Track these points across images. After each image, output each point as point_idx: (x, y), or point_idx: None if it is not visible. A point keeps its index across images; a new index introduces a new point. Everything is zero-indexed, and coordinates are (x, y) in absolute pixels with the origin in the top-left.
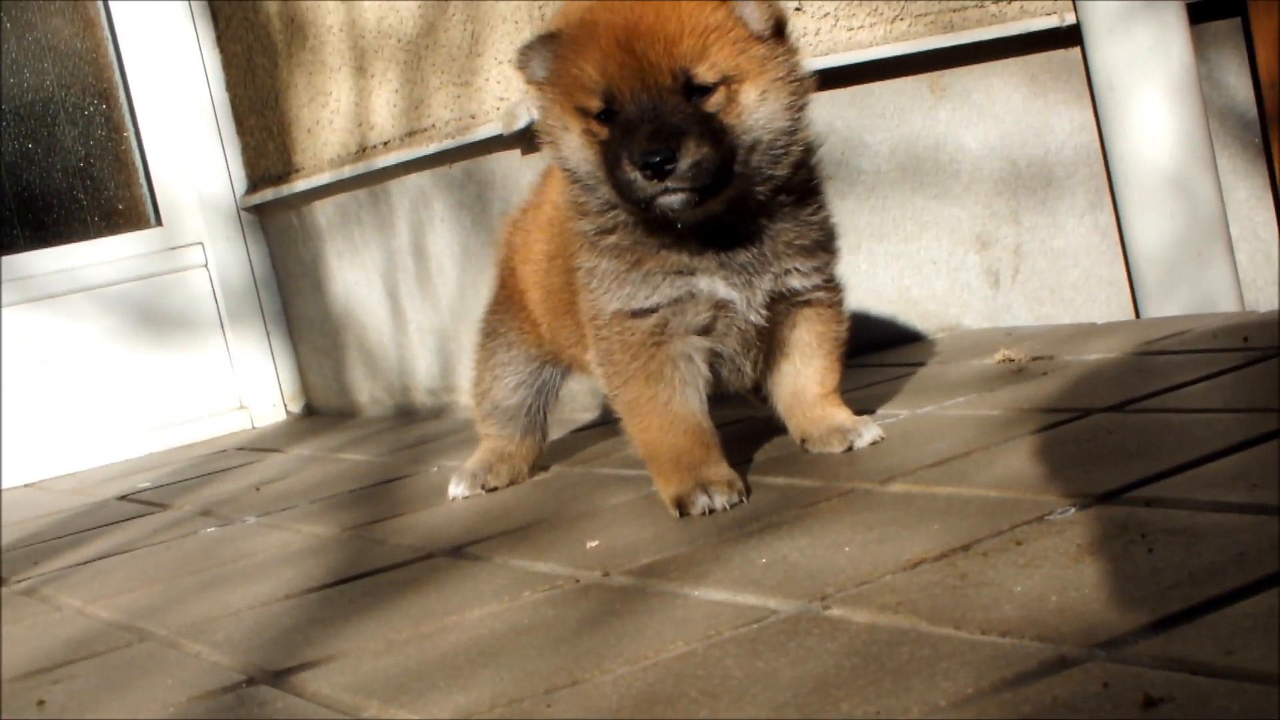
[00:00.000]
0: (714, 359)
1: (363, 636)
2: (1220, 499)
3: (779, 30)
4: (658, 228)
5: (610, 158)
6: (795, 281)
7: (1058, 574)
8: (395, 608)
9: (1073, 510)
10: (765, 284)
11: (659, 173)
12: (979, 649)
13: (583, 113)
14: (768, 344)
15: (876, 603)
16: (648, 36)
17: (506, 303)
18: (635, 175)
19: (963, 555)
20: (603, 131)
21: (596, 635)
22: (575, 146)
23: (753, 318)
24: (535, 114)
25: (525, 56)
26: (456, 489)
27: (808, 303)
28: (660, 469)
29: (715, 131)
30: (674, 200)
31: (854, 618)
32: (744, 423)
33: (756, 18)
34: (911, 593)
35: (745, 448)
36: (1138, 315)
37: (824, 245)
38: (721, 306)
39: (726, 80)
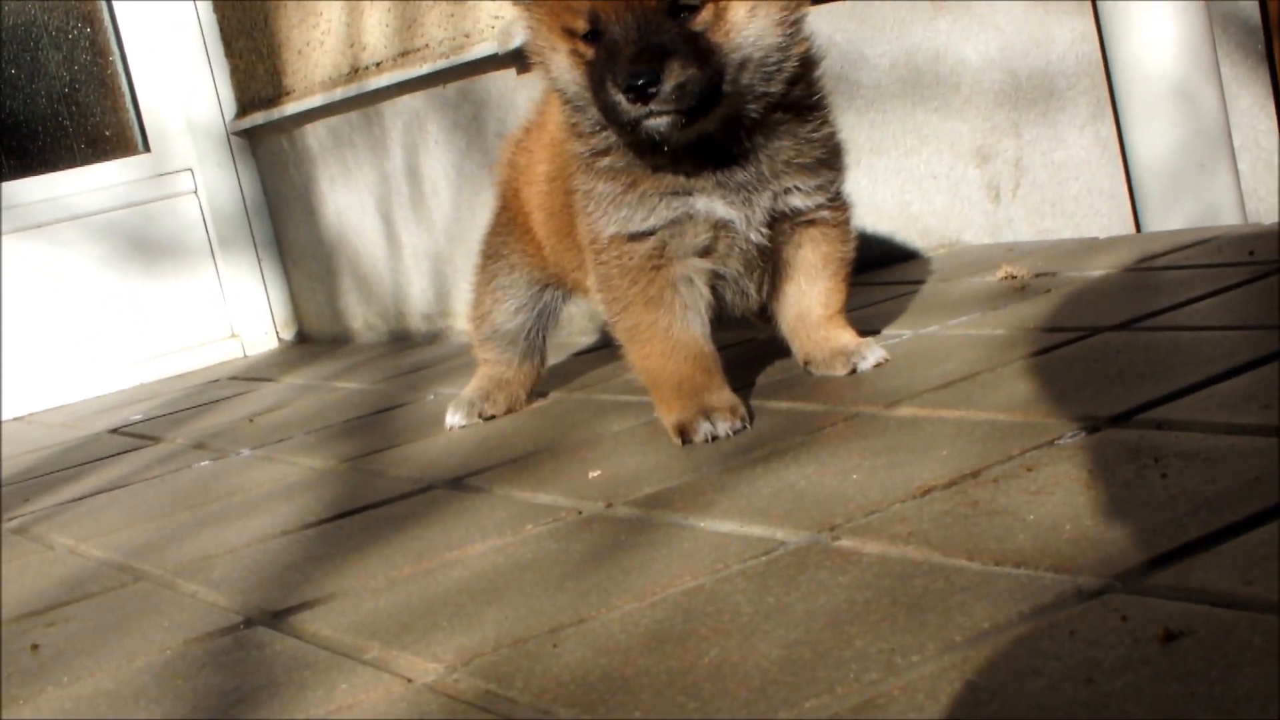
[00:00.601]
0: (717, 281)
1: (363, 574)
2: (1233, 420)
3: None
4: (648, 149)
5: (596, 79)
6: (797, 200)
7: (1070, 501)
8: (395, 543)
9: (1083, 434)
10: (764, 202)
11: (642, 95)
12: (994, 581)
13: (569, 33)
14: (772, 265)
15: (887, 533)
16: None
17: (509, 225)
18: (620, 98)
19: (973, 482)
20: (589, 52)
21: (602, 570)
22: (564, 67)
23: (753, 237)
24: (524, 34)
25: None
26: (453, 418)
27: (812, 222)
28: (662, 395)
29: (701, 51)
30: (660, 123)
31: (864, 549)
32: (744, 345)
33: None
34: (922, 522)
35: (747, 371)
36: (1139, 228)
37: (827, 163)
38: (721, 226)
39: None
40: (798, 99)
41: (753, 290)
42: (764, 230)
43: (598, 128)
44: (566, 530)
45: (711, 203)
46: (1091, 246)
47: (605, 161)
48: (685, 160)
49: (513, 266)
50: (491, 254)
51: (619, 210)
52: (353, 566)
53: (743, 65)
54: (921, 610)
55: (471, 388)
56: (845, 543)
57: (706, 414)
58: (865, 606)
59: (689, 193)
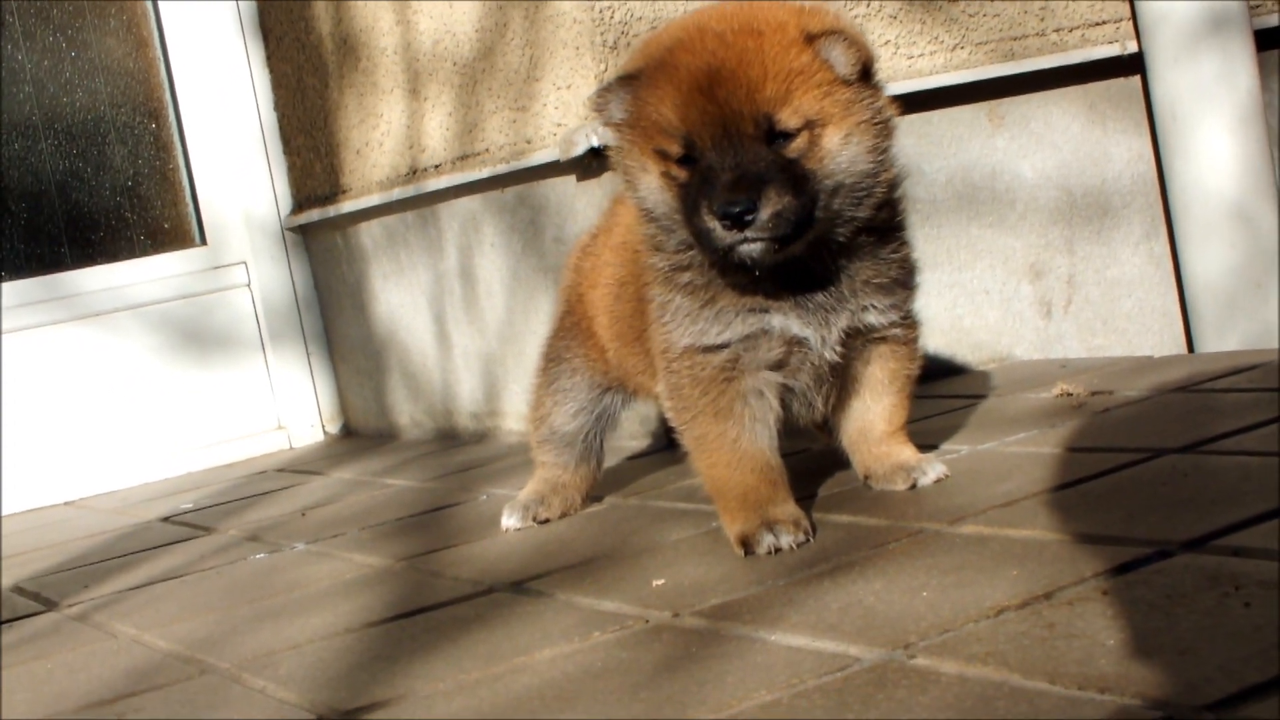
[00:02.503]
0: (786, 394)
1: (431, 676)
2: None
3: (865, 72)
4: (732, 269)
5: (689, 203)
6: (872, 318)
7: (1151, 626)
8: (461, 646)
9: (1157, 558)
10: (842, 321)
11: (739, 223)
12: (1078, 706)
13: (662, 155)
14: (841, 379)
15: (963, 653)
16: (729, 82)
17: (572, 329)
18: (715, 224)
19: (1046, 604)
20: (682, 175)
21: (675, 681)
22: (654, 188)
23: (828, 354)
24: (613, 154)
25: (603, 99)
26: (509, 520)
27: (883, 339)
28: (726, 505)
29: (797, 178)
30: (754, 249)
31: (942, 668)
32: (801, 454)
33: (843, 61)
34: (999, 642)
35: (808, 482)
36: (1190, 347)
37: (903, 282)
38: (796, 343)
39: (810, 124)
40: (882, 222)
41: (819, 403)
42: (838, 349)
43: (683, 246)
44: (635, 639)
45: (788, 320)
46: (1145, 365)
47: (685, 276)
48: (765, 280)
49: (574, 370)
50: (554, 357)
51: (695, 324)
52: (419, 668)
53: (835, 191)
54: None
55: (528, 490)
56: (921, 661)
57: (770, 526)
58: None
59: (766, 310)
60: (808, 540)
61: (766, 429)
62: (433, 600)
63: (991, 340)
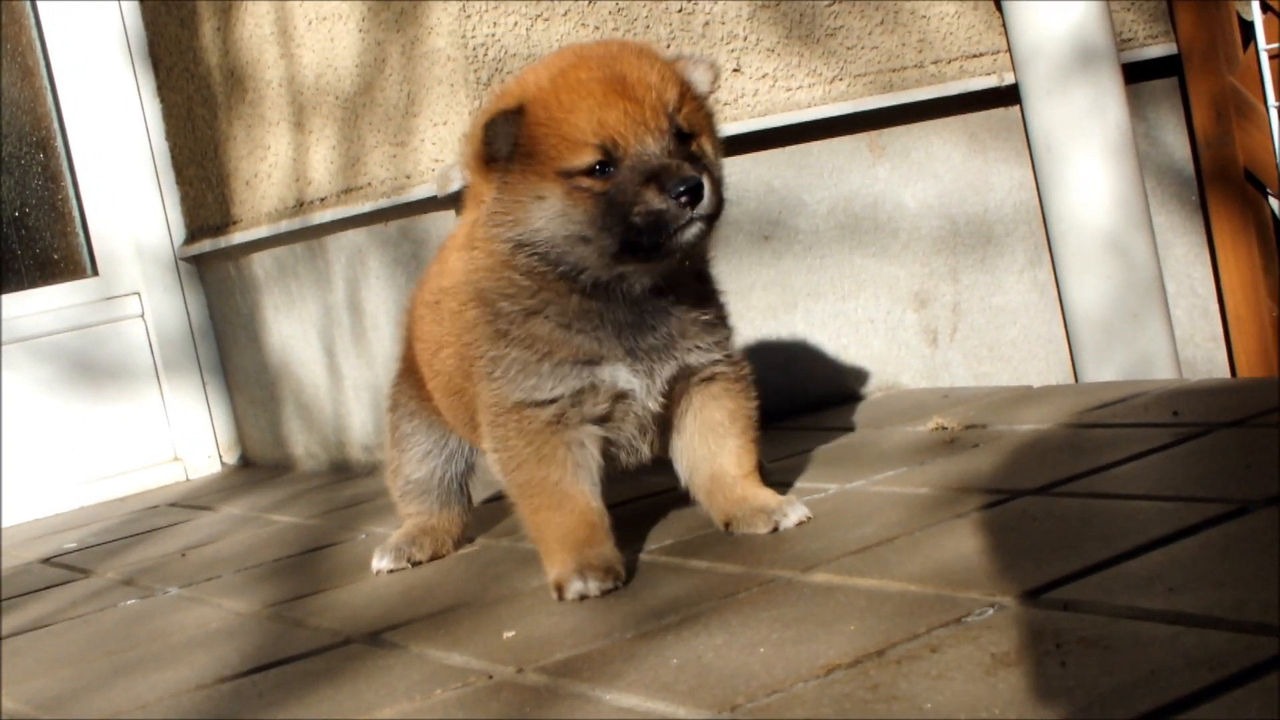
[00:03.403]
0: (608, 445)
1: None
2: (1137, 604)
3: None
4: (603, 293)
5: (617, 205)
6: (695, 358)
7: (969, 689)
8: (305, 704)
9: (990, 611)
10: (667, 371)
11: (695, 197)
12: None
13: (566, 175)
14: (671, 422)
15: (785, 716)
16: (641, 85)
17: (406, 373)
18: (668, 204)
19: (876, 662)
20: (598, 185)
21: None
22: (554, 213)
23: (651, 405)
24: (471, 199)
25: (490, 133)
26: (380, 563)
27: (712, 378)
28: (547, 549)
29: (709, 169)
30: (692, 232)
31: None
32: (670, 492)
33: (704, 80)
34: (822, 705)
35: (673, 524)
36: (1075, 374)
37: (722, 321)
38: (620, 396)
39: (694, 133)
40: (701, 252)
41: (645, 449)
42: (661, 400)
43: (568, 272)
44: (475, 697)
45: (616, 372)
46: (1024, 396)
47: (524, 328)
48: (605, 326)
49: (413, 413)
50: (394, 404)
51: (529, 379)
52: None
53: (720, 195)
54: None
55: (399, 534)
56: None
57: (581, 572)
58: None
59: (599, 361)
60: (616, 587)
61: (589, 474)
62: (289, 652)
63: (878, 369)
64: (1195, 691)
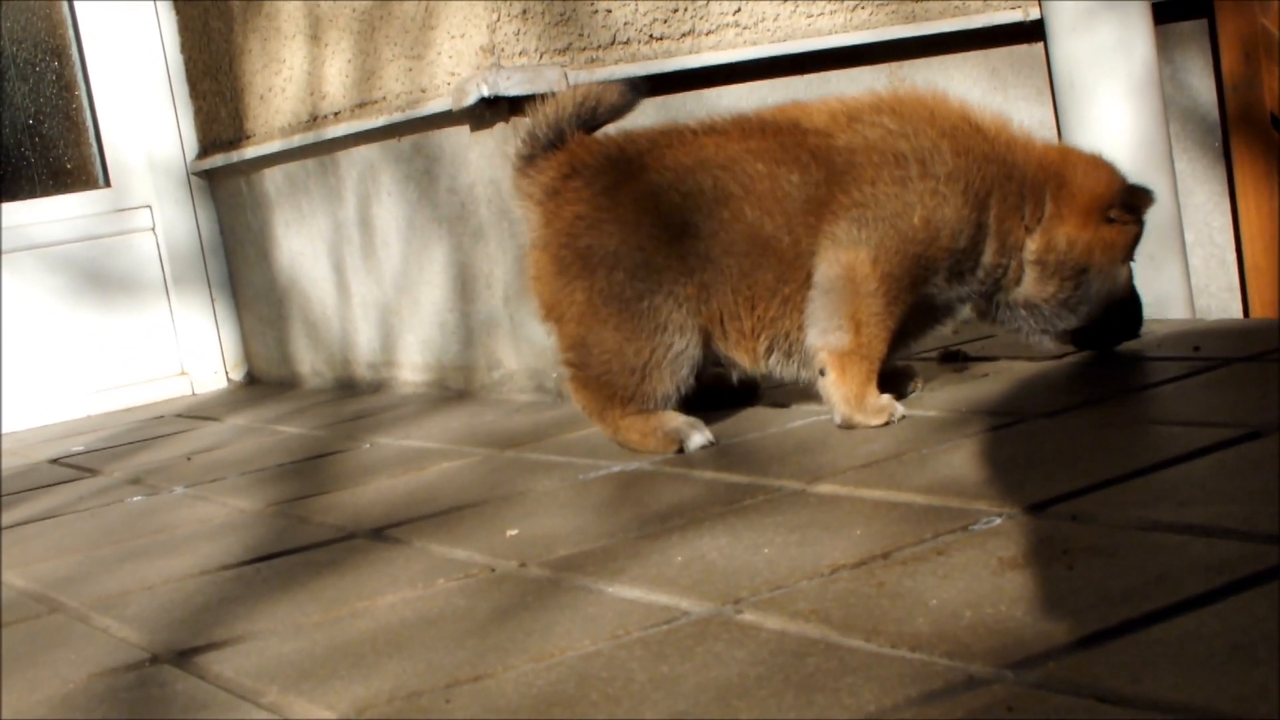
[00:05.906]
0: None
1: (272, 619)
2: (1146, 516)
3: None
4: None
5: None
6: None
7: (975, 588)
8: (308, 590)
9: (998, 520)
10: None
11: None
12: (887, 663)
13: None
14: None
15: (789, 609)
16: None
17: None
18: None
19: (882, 563)
20: None
21: (505, 629)
22: None
23: None
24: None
25: None
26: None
27: None
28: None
29: None
30: None
31: (765, 624)
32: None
33: None
34: (826, 600)
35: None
36: None
37: None
38: None
39: None
40: None
41: None
42: None
43: None
44: (477, 587)
45: None
46: None
47: None
48: None
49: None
50: None
51: None
52: (263, 610)
53: None
54: (811, 689)
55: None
56: (747, 616)
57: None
58: (757, 681)
59: None
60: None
61: None
62: (292, 544)
63: None
64: (1203, 593)
